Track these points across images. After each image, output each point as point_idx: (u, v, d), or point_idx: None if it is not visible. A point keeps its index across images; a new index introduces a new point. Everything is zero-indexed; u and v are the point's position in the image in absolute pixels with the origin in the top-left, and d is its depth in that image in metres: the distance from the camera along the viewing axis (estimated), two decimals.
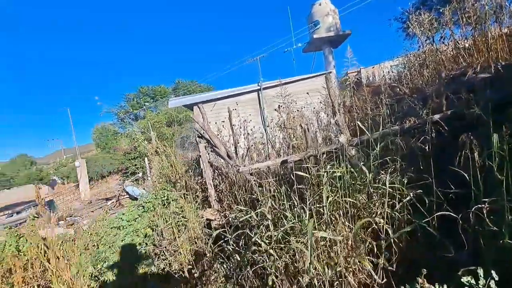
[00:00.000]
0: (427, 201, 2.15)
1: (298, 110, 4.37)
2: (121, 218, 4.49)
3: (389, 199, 2.30)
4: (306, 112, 6.40)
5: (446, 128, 2.78)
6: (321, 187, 2.48)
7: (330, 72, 6.84)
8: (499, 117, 2.29)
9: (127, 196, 8.16)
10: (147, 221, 4.55)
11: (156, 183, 6.96)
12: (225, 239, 2.92)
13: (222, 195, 4.31)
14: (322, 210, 2.31)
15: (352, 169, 2.78)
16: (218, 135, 6.89)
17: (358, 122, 2.38)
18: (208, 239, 3.85)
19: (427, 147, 2.49)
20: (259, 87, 7.38)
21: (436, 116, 3.35)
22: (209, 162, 4.42)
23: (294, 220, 2.32)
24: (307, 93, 5.06)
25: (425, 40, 5.23)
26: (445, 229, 2.06)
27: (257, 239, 2.52)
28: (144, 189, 8.69)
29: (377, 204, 2.35)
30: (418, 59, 5.90)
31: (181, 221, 3.83)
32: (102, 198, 8.67)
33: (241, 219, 3.01)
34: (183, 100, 7.96)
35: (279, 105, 4.37)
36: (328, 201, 2.21)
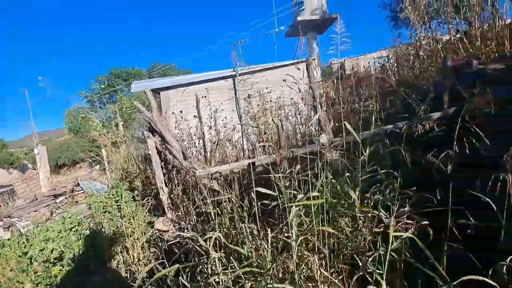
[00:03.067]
0: (431, 237, 1.55)
1: (271, 101, 3.66)
2: (52, 228, 3.63)
3: (381, 228, 1.69)
4: (286, 103, 5.68)
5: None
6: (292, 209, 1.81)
7: (314, 59, 6.15)
8: None
9: (82, 191, 7.23)
10: (86, 229, 3.74)
11: (112, 178, 6.09)
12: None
13: (179, 200, 3.57)
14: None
15: (334, 181, 2.14)
16: (182, 126, 6.06)
17: (345, 122, 1.70)
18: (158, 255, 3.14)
19: (430, 156, 1.87)
20: (234, 73, 6.55)
21: (436, 115, 2.77)
22: (164, 159, 3.65)
23: (251, 260, 1.64)
24: (284, 80, 4.40)
25: (420, 27, 4.63)
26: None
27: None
28: (104, 183, 7.75)
29: (366, 237, 1.71)
30: (409, 48, 5.32)
31: (118, 235, 3.07)
32: (51, 194, 7.62)
33: (186, 241, 2.33)
34: (148, 84, 6.99)
35: (248, 94, 3.66)
36: (300, 237, 1.53)
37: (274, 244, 1.74)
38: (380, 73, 6.74)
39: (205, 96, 6.29)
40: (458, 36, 4.20)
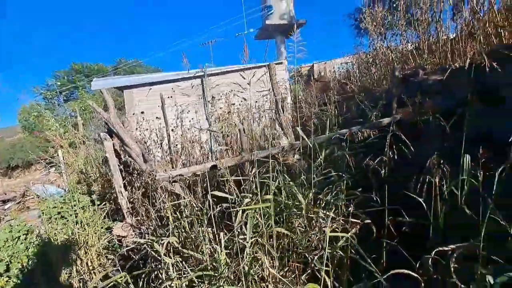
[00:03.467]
0: (375, 233, 1.69)
1: (234, 104, 3.69)
2: None
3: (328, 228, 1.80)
4: (253, 105, 5.79)
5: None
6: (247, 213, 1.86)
7: (281, 63, 6.29)
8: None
9: (32, 197, 6.66)
10: (36, 237, 3.48)
11: (69, 182, 5.71)
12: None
13: (139, 204, 3.47)
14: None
15: (292, 183, 2.22)
16: (145, 127, 5.87)
17: (297, 128, 1.78)
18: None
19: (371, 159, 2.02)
20: (203, 73, 6.48)
21: (385, 121, 2.99)
22: (124, 162, 3.51)
23: (206, 263, 1.66)
24: (248, 83, 4.43)
25: (377, 37, 4.96)
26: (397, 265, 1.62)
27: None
28: (61, 186, 7.24)
29: (317, 235, 1.81)
30: (367, 56, 5.68)
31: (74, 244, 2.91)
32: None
33: (145, 247, 2.28)
34: (110, 81, 6.66)
35: (212, 97, 3.66)
36: (253, 238, 1.59)
37: (230, 247, 1.78)
38: (343, 79, 7.10)
39: (171, 96, 6.15)
40: (410, 47, 4.58)
